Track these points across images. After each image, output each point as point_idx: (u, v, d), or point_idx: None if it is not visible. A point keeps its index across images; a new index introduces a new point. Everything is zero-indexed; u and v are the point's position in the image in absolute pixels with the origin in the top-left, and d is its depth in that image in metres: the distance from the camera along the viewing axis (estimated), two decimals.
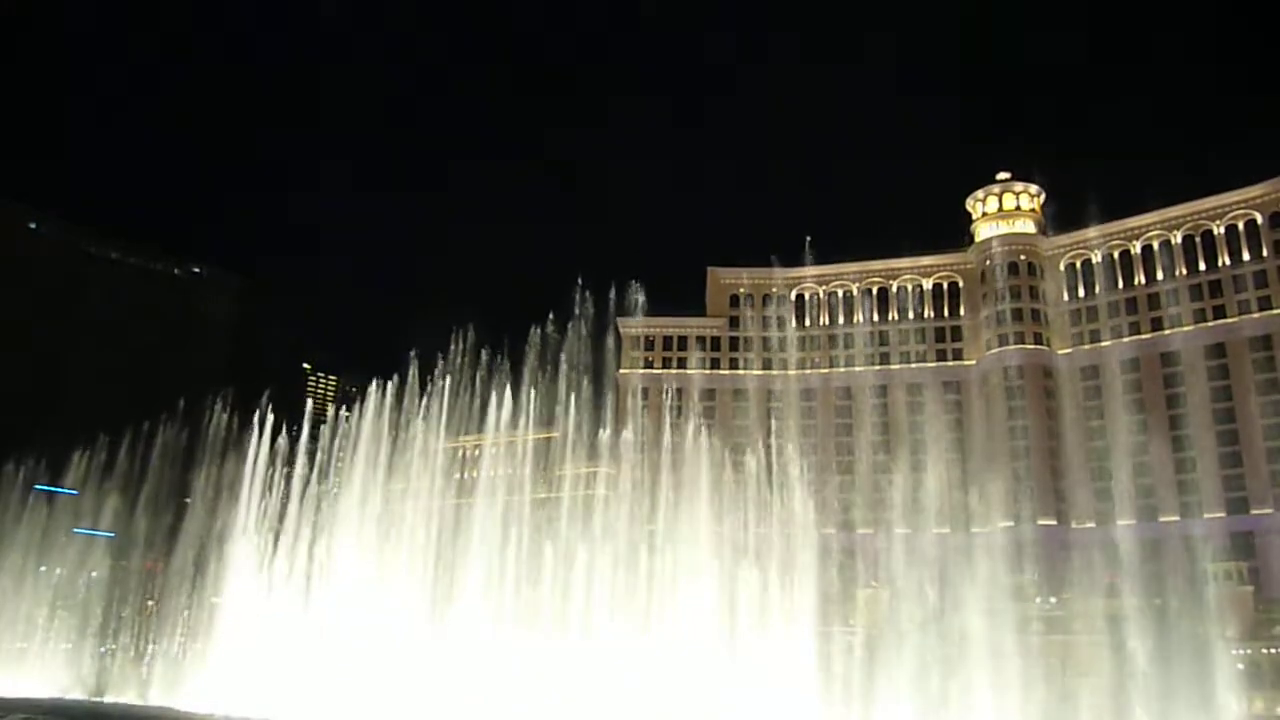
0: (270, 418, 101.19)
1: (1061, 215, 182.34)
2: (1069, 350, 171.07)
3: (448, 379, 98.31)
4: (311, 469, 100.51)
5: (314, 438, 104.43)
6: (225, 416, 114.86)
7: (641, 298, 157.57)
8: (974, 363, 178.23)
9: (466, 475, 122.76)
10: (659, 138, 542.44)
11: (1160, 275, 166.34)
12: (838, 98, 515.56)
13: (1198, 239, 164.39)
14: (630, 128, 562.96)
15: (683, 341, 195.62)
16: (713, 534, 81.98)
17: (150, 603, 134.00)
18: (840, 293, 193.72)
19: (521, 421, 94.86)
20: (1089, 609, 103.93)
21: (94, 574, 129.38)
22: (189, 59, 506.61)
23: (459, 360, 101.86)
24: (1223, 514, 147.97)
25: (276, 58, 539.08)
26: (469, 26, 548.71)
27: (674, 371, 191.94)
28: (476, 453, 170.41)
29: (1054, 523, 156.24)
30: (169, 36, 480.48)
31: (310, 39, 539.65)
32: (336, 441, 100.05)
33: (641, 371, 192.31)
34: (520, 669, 69.79)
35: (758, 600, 71.81)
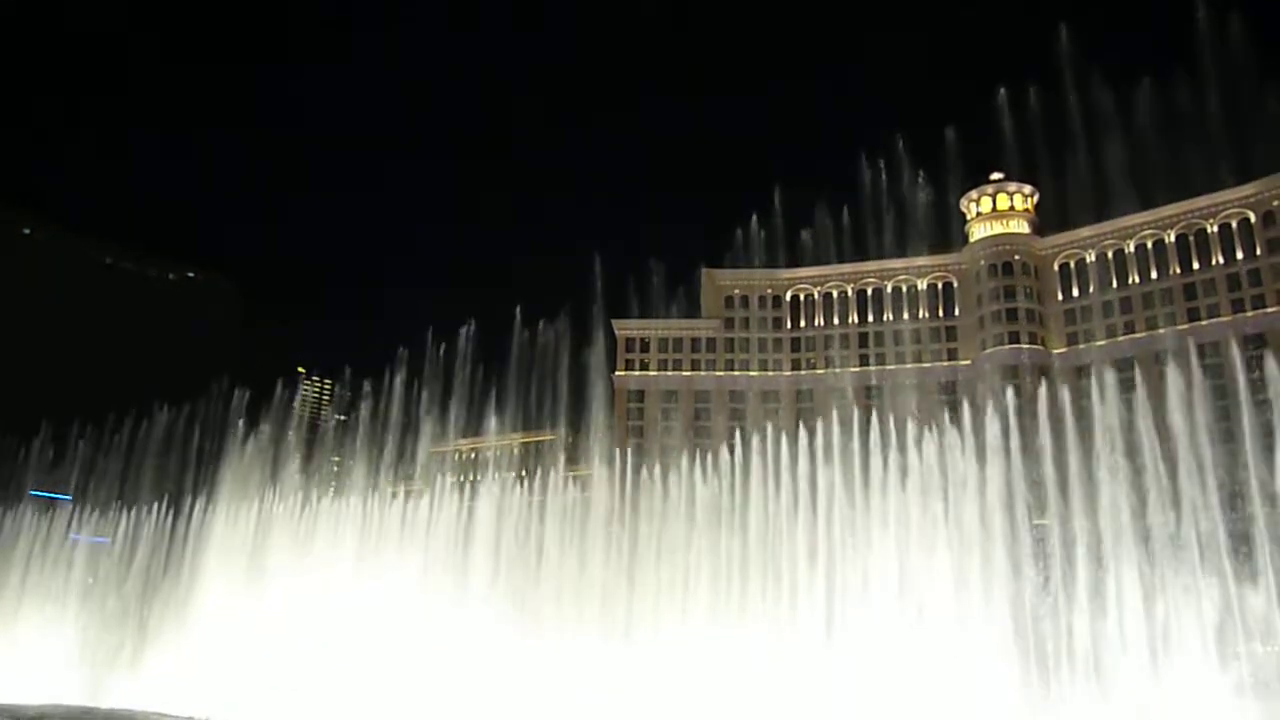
0: (265, 421, 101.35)
1: (1055, 215, 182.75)
2: (1064, 349, 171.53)
3: (443, 382, 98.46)
4: (307, 471, 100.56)
5: (309, 440, 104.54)
6: (219, 420, 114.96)
7: (636, 299, 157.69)
8: (969, 363, 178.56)
9: (461, 478, 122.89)
10: (656, 138, 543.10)
11: (1154, 274, 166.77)
12: (836, 98, 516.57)
13: (1191, 238, 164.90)
14: (627, 128, 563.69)
15: (678, 343, 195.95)
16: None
17: (146, 609, 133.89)
18: (835, 294, 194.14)
19: (516, 425, 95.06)
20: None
21: (90, 580, 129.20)
22: (183, 63, 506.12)
23: (455, 363, 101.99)
24: (1219, 512, 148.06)
25: (273, 61, 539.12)
26: (469, 27, 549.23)
27: (670, 373, 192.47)
28: (472, 455, 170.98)
29: (1047, 522, 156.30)
30: (165, 39, 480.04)
31: (307, 40, 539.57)
32: (331, 444, 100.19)
33: (637, 374, 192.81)
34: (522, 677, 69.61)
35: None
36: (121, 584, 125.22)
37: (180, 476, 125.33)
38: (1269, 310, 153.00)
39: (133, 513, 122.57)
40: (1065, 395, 71.08)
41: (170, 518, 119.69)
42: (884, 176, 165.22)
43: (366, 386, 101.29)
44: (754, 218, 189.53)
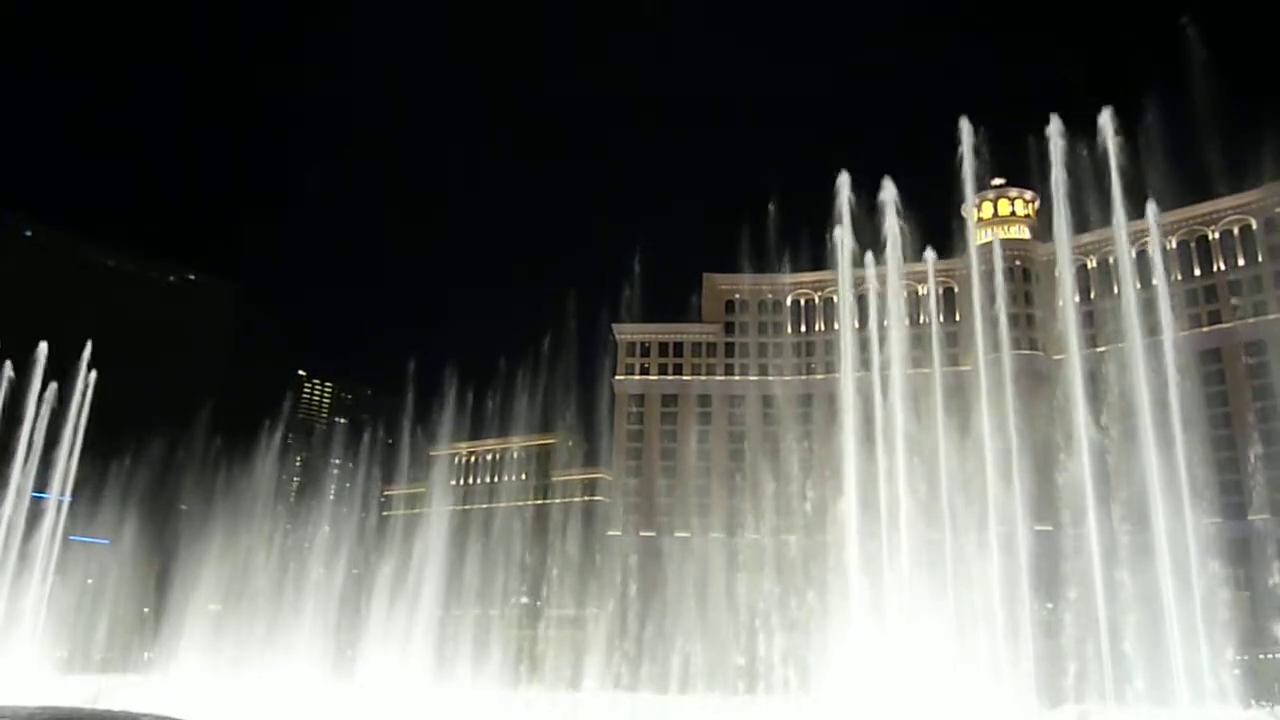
0: (270, 428, 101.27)
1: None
2: (1064, 355, 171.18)
3: (443, 386, 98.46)
4: (305, 474, 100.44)
5: (309, 444, 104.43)
6: (221, 423, 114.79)
7: (637, 304, 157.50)
8: (970, 368, 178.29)
9: (463, 481, 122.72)
10: (654, 141, 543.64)
11: (1155, 281, 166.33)
12: (835, 102, 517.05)
13: (1193, 244, 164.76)
14: (626, 133, 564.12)
15: (678, 348, 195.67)
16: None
17: (146, 610, 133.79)
18: (835, 299, 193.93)
19: (518, 428, 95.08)
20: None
21: (90, 581, 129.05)
22: (184, 66, 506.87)
23: (456, 368, 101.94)
24: (1219, 519, 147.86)
25: (270, 65, 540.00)
26: (466, 36, 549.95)
27: (670, 378, 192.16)
28: (472, 459, 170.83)
29: (1049, 528, 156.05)
30: (165, 42, 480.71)
31: (307, 45, 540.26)
32: (331, 448, 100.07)
33: (637, 378, 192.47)
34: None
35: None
36: (120, 585, 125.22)
37: (179, 480, 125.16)
38: (1270, 317, 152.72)
39: (132, 515, 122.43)
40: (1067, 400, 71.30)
41: (169, 521, 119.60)
42: (885, 181, 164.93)
43: (368, 391, 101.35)
44: (754, 222, 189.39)
